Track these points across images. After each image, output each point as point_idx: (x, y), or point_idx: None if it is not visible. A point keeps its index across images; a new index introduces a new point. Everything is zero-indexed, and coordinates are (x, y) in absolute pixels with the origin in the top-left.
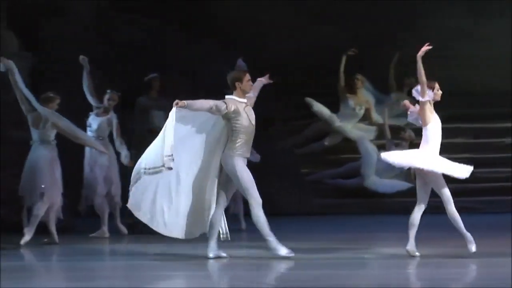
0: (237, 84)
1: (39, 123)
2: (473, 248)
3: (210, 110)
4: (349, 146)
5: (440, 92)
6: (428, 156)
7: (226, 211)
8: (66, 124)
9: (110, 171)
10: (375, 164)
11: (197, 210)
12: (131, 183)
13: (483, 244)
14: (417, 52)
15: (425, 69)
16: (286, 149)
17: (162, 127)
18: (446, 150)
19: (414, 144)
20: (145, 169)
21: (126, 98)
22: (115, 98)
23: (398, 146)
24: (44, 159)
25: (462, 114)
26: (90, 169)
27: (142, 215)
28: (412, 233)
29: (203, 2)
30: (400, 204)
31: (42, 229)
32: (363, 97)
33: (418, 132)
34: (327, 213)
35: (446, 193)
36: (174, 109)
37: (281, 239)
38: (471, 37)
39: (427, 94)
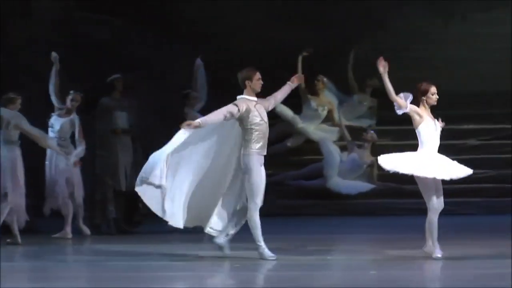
0: (247, 82)
1: (1, 124)
2: (439, 255)
3: (225, 119)
4: (312, 147)
5: (435, 96)
6: (416, 159)
7: None
8: (27, 124)
9: (72, 173)
10: (337, 165)
11: (201, 204)
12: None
13: (450, 245)
14: (381, 54)
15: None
16: None
17: (125, 127)
18: (399, 152)
19: (377, 145)
20: (143, 177)
21: (90, 99)
22: (78, 99)
23: (360, 148)
24: (7, 160)
25: None
26: (52, 170)
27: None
28: (428, 235)
29: (169, 3)
30: (363, 205)
31: (4, 230)
32: (326, 98)
33: (380, 133)
34: (289, 214)
35: (433, 200)
36: (182, 131)
37: (245, 240)
38: (433, 39)
39: (403, 107)
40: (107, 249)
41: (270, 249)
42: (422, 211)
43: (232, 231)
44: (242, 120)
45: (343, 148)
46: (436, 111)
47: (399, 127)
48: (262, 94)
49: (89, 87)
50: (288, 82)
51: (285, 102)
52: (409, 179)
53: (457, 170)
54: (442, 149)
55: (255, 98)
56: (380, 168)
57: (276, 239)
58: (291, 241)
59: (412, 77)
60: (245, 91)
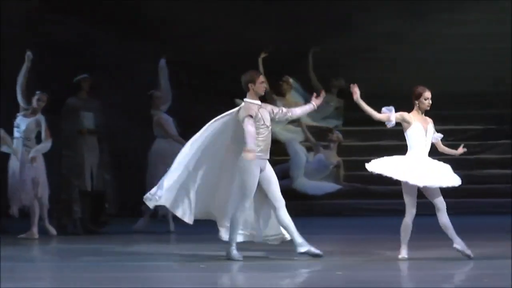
0: (250, 85)
1: None
2: (405, 256)
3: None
4: (278, 147)
5: (427, 101)
6: (403, 163)
7: (155, 214)
8: None
9: (38, 173)
10: (304, 166)
11: (210, 200)
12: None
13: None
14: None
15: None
16: None
17: (92, 128)
18: (365, 153)
19: (343, 146)
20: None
21: (57, 99)
22: (44, 99)
23: (326, 148)
24: None
25: None
26: (16, 171)
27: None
28: (450, 234)
29: (133, 2)
30: (329, 206)
31: None
32: (292, 99)
33: (346, 134)
34: None
35: (411, 205)
36: (188, 144)
37: (208, 240)
38: (399, 40)
39: (388, 121)
40: (74, 249)
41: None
42: (388, 211)
43: (289, 235)
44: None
45: (309, 149)
46: (398, 111)
47: (365, 128)
48: (223, 94)
49: (56, 87)
50: (311, 102)
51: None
52: (375, 180)
53: (439, 179)
54: (393, 150)
55: (258, 102)
56: (346, 168)
57: None
58: (254, 241)
59: (377, 77)
60: (248, 94)
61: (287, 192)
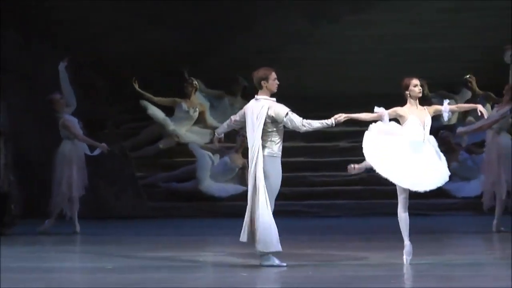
0: (263, 83)
1: None
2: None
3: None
4: (184, 149)
5: (417, 88)
6: (395, 158)
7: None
8: None
9: None
10: (209, 168)
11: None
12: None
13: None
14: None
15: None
16: (120, 152)
17: None
18: (286, 153)
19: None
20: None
21: None
22: None
23: (231, 151)
24: None
25: None
26: None
27: None
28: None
29: (38, 3)
30: (235, 208)
31: None
32: (196, 101)
33: None
34: (161, 216)
35: (403, 198)
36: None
37: (116, 242)
38: (305, 40)
39: (382, 119)
40: None
41: (137, 252)
42: (290, 212)
43: None
44: (275, 121)
45: (215, 150)
46: (309, 113)
47: None
48: (128, 94)
49: None
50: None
51: (157, 104)
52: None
53: (430, 181)
54: (314, 151)
55: (273, 99)
56: None
57: (148, 241)
58: (161, 242)
59: (281, 78)
60: (260, 91)
61: (193, 193)
